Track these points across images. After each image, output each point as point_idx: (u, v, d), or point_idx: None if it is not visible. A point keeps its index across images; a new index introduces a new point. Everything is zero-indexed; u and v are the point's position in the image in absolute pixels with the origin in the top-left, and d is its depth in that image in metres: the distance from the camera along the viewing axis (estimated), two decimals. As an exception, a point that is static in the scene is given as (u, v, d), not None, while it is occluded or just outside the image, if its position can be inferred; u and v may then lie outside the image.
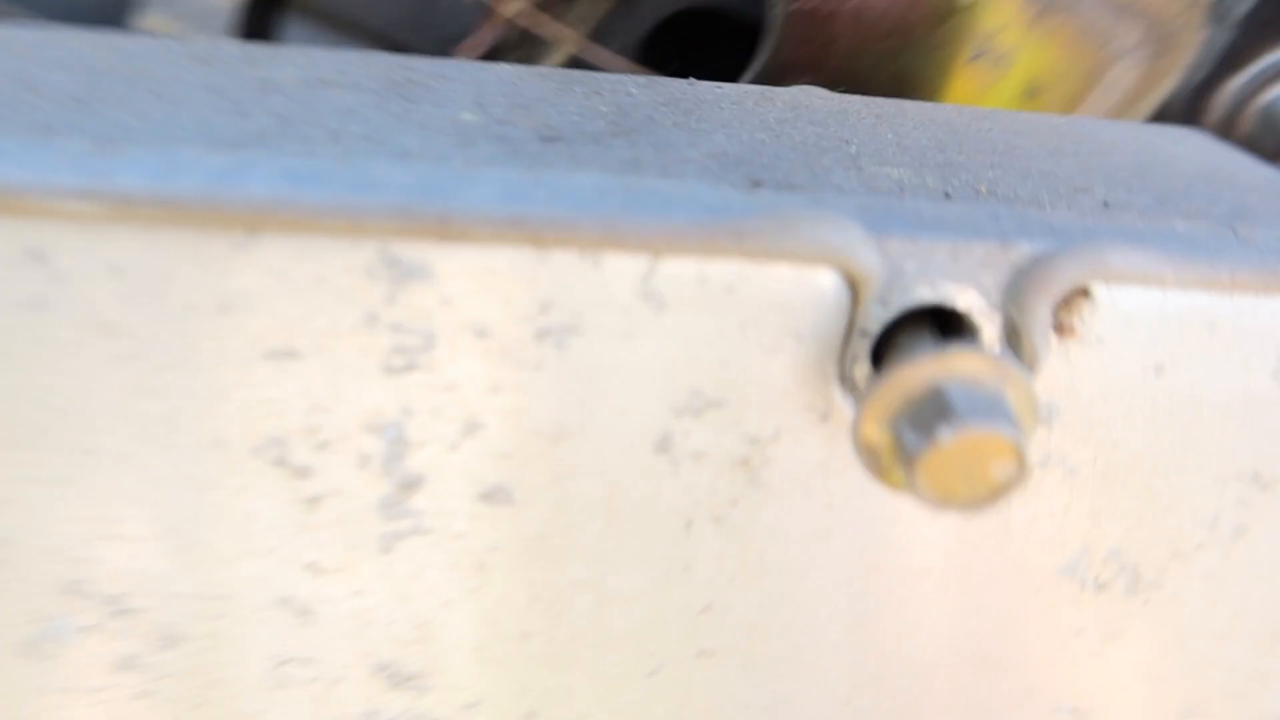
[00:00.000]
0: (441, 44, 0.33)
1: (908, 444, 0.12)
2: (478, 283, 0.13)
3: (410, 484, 0.16)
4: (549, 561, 0.17)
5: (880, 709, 0.19)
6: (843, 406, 0.14)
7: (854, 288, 0.13)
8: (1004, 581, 0.17)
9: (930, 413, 0.12)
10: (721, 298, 0.14)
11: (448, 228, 0.12)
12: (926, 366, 0.12)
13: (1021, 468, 0.12)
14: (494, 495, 0.16)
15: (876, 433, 0.13)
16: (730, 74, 0.28)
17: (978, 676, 0.19)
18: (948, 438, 0.12)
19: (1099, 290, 0.14)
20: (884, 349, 0.13)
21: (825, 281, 0.13)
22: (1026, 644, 0.19)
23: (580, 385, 0.14)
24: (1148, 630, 0.19)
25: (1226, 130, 0.38)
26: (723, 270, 0.13)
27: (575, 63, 0.32)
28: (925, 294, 0.13)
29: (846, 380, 0.14)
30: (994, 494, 0.13)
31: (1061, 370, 0.14)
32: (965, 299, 0.13)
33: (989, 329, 0.13)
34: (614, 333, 0.14)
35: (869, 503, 0.16)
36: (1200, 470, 0.16)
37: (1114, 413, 0.15)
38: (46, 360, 0.14)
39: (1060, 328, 0.14)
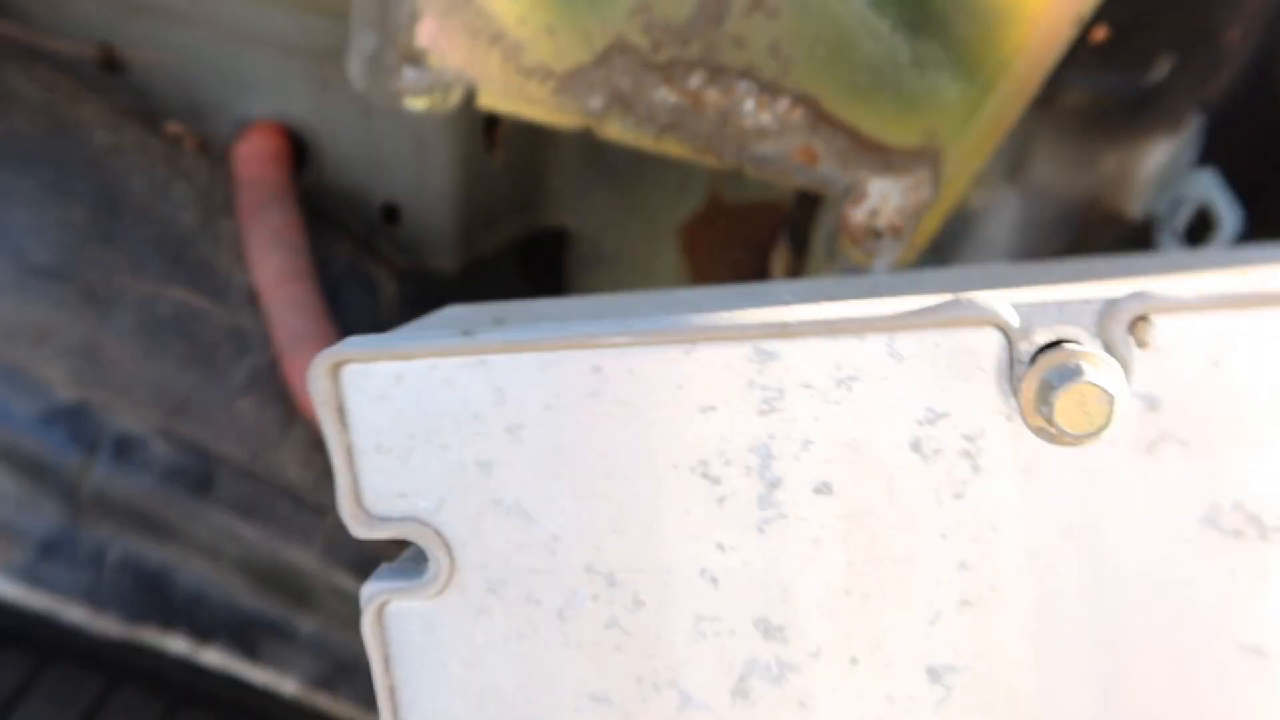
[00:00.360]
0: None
1: (1045, 402, 0.23)
2: (803, 358, 0.24)
3: (774, 484, 0.25)
4: (859, 534, 0.25)
5: (1082, 644, 0.25)
6: (1016, 408, 0.24)
7: (1006, 335, 0.23)
8: (1160, 532, 0.24)
9: (1047, 386, 0.23)
10: (934, 350, 0.23)
11: (786, 331, 0.24)
12: (1043, 362, 0.23)
13: (1109, 399, 0.22)
14: (822, 489, 0.25)
15: (1030, 403, 0.23)
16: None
17: (1162, 616, 0.25)
18: (1060, 392, 0.22)
19: (1156, 318, 0.23)
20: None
21: (990, 335, 0.23)
22: (1192, 586, 0.24)
23: (863, 410, 0.24)
24: None
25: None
26: (931, 335, 0.23)
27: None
28: (1049, 334, 0.23)
29: (1017, 393, 0.23)
30: (1099, 421, 0.22)
31: (1151, 371, 0.23)
32: (1075, 333, 0.23)
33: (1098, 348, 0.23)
34: (876, 377, 0.24)
35: (1052, 477, 0.24)
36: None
37: (1198, 397, 0.23)
38: (599, 424, 0.25)
39: (1140, 343, 0.23)
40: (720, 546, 0.25)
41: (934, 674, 0.25)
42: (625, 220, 0.59)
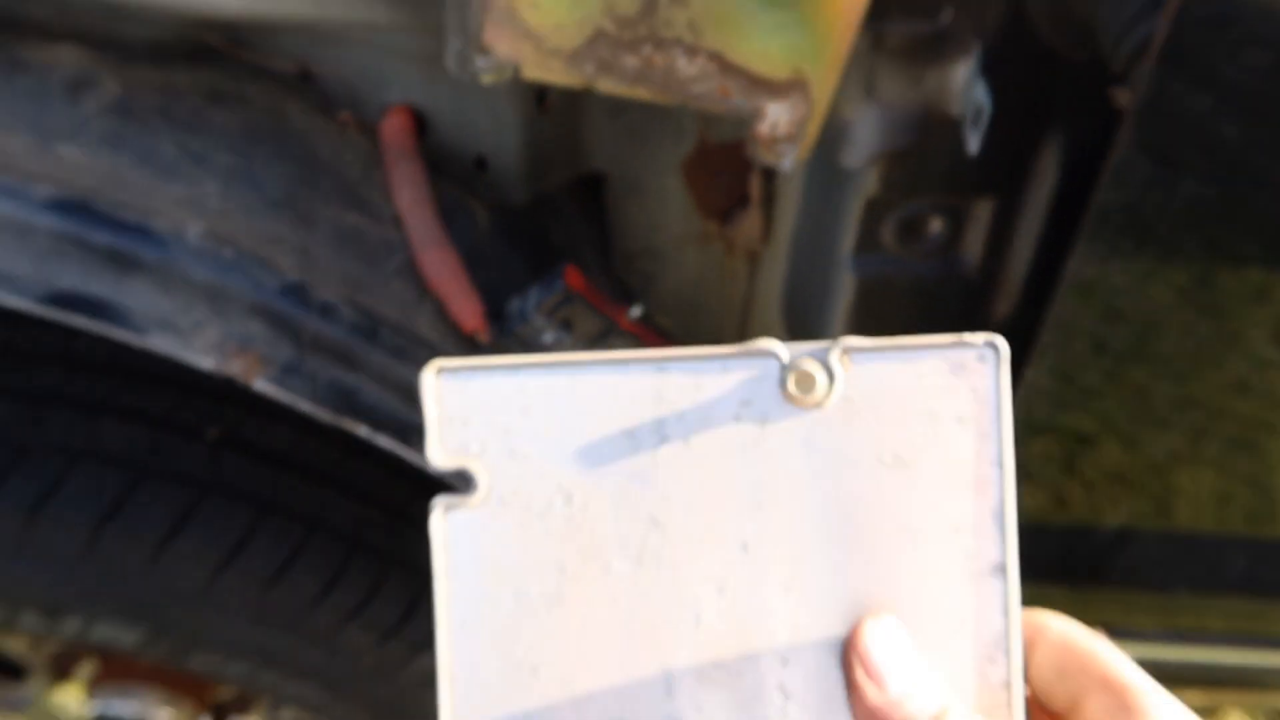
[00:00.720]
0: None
1: (789, 384, 0.35)
2: (681, 371, 0.36)
3: (664, 439, 0.36)
4: (706, 471, 0.36)
5: (824, 528, 0.36)
6: (783, 397, 0.36)
7: (780, 361, 0.36)
8: (859, 466, 0.36)
9: (790, 377, 0.35)
10: (745, 368, 0.36)
11: (676, 356, 0.37)
12: (793, 369, 0.36)
13: (814, 380, 0.34)
14: (686, 445, 0.36)
15: (788, 392, 0.36)
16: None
17: (858, 510, 0.36)
18: (792, 374, 0.35)
19: (854, 354, 0.35)
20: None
21: (773, 362, 0.35)
22: (873, 491, 0.36)
23: (710, 401, 0.36)
24: None
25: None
26: (744, 360, 0.36)
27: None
28: (800, 358, 0.36)
29: (783, 387, 0.36)
30: (810, 388, 0.35)
31: (853, 380, 0.36)
32: (812, 360, 0.36)
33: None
34: (717, 384, 0.37)
35: (803, 438, 0.36)
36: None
37: (875, 396, 0.36)
38: (573, 408, 0.36)
39: (844, 366, 0.36)
40: (633, 474, 0.36)
41: (744, 547, 0.36)
42: (641, 163, 0.82)
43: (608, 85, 0.61)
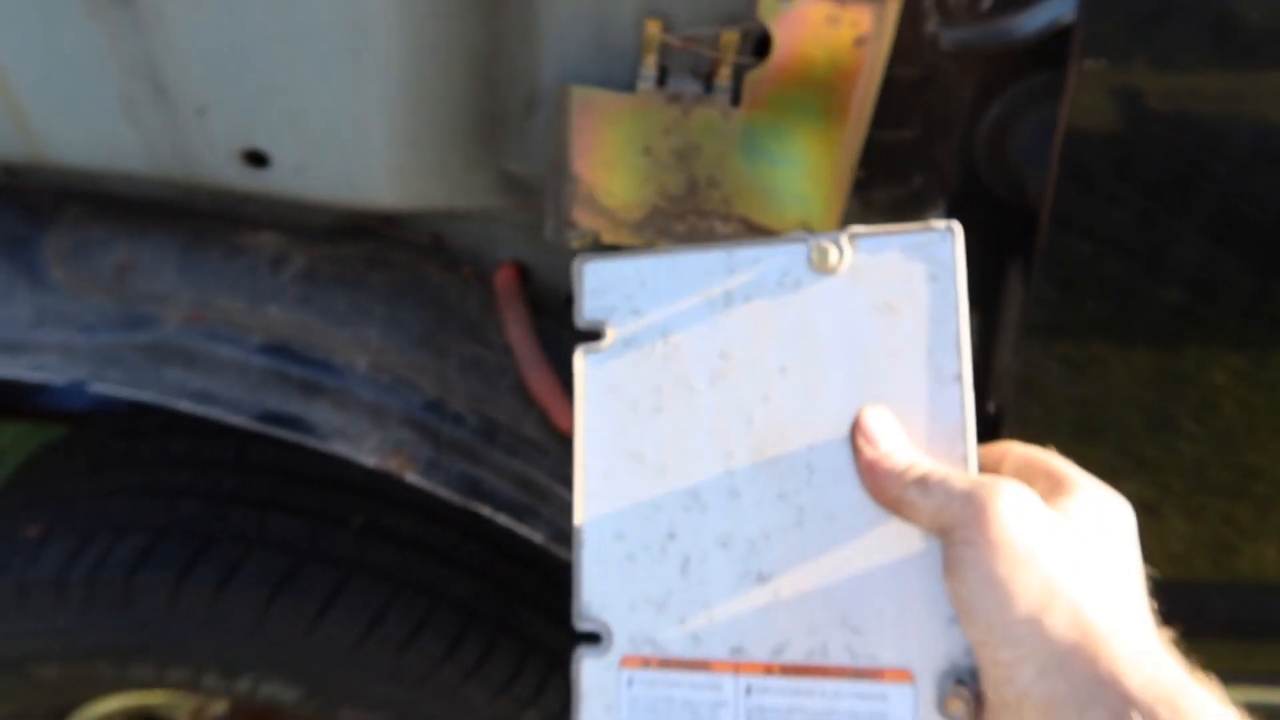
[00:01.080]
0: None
1: (814, 257, 0.48)
2: (746, 253, 0.49)
3: (731, 294, 0.48)
4: (760, 306, 0.49)
5: (840, 355, 0.47)
6: (811, 266, 0.47)
7: (808, 245, 0.48)
8: (862, 310, 0.47)
9: (812, 250, 0.47)
10: (789, 248, 0.48)
11: (743, 244, 0.51)
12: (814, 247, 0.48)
13: (827, 252, 0.46)
14: (750, 295, 0.48)
15: (814, 260, 0.48)
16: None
17: (859, 341, 0.46)
18: (815, 249, 0.47)
19: (858, 238, 0.46)
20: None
21: (802, 247, 0.47)
22: (870, 328, 0.46)
23: (765, 265, 0.48)
24: None
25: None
26: (786, 243, 0.50)
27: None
28: (825, 242, 0.47)
29: (809, 259, 0.47)
30: (823, 258, 0.47)
31: (858, 259, 0.47)
32: (830, 243, 0.47)
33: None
34: (770, 257, 0.50)
35: (828, 291, 0.47)
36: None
37: (869, 269, 0.46)
38: (675, 274, 0.49)
39: (852, 247, 0.48)
40: (711, 322, 0.47)
41: (783, 370, 0.46)
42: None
43: (664, 244, 0.81)
